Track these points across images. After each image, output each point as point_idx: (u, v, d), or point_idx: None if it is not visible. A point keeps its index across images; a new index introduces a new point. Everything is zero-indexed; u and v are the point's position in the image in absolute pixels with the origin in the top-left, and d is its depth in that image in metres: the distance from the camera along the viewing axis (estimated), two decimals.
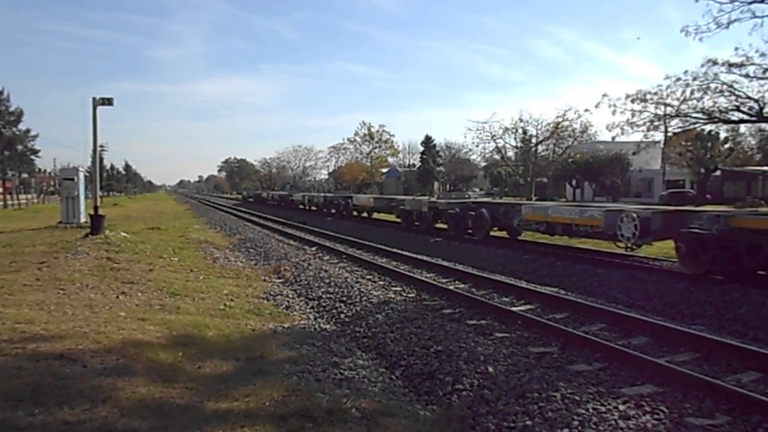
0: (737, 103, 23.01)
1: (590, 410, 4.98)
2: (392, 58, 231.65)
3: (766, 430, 4.66)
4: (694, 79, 23.38)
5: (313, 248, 18.48)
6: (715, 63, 22.69)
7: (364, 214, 32.61)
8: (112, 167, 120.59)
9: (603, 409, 5.00)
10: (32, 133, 57.26)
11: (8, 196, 56.95)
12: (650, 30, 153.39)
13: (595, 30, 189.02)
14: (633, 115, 25.86)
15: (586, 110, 48.50)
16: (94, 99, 17.99)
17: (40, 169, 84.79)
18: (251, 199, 75.93)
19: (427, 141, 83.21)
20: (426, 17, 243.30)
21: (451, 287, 10.97)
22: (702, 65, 23.04)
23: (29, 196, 68.75)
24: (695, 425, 4.69)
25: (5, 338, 6.01)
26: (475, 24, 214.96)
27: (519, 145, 53.84)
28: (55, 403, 4.36)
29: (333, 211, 36.22)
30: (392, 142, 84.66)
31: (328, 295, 10.57)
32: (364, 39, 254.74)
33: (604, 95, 26.89)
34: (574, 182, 59.62)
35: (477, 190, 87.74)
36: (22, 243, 15.14)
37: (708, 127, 35.89)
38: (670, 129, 28.66)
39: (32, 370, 5.09)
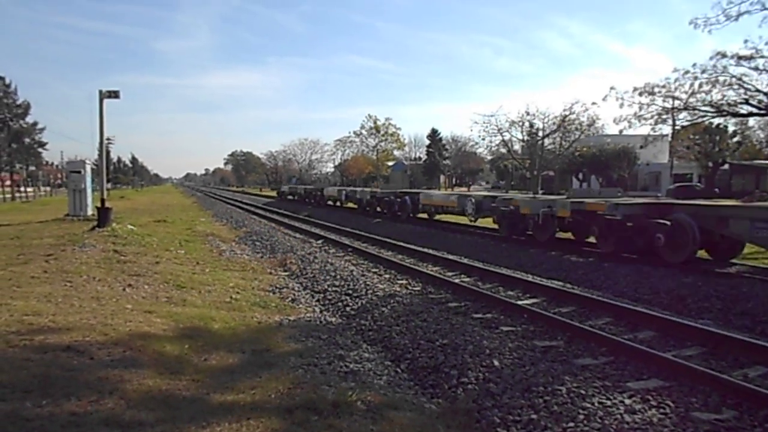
0: (746, 96, 22.82)
1: (596, 404, 4.97)
2: (399, 51, 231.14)
3: None
4: (703, 71, 23.21)
5: (319, 241, 18.50)
6: (724, 55, 22.51)
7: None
8: (119, 160, 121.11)
9: (609, 403, 4.99)
10: (39, 125, 57.73)
11: (16, 189, 57.30)
12: (659, 22, 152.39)
13: (603, 22, 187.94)
14: (641, 108, 25.73)
15: (594, 103, 48.24)
16: (100, 92, 18.03)
17: (47, 162, 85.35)
18: (292, 197, 50.53)
19: (433, 134, 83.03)
20: (433, 9, 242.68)
21: (457, 281, 10.97)
22: (711, 58, 22.86)
23: (34, 188, 69.05)
24: (701, 420, 4.67)
25: (13, 330, 6.05)
26: (483, 16, 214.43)
27: (525, 138, 53.54)
28: (63, 395, 4.39)
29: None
30: (398, 135, 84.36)
31: (334, 288, 10.58)
32: (371, 32, 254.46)
33: (612, 88, 26.66)
34: (580, 176, 59.36)
35: (483, 183, 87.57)
36: (29, 235, 15.23)
37: (716, 121, 35.66)
38: (678, 122, 28.49)
39: (40, 362, 5.12)
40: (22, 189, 58.98)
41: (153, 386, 4.82)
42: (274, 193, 73.53)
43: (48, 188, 76.10)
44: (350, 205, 34.76)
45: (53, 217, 21.43)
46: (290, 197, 51.43)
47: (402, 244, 16.85)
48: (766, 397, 4.95)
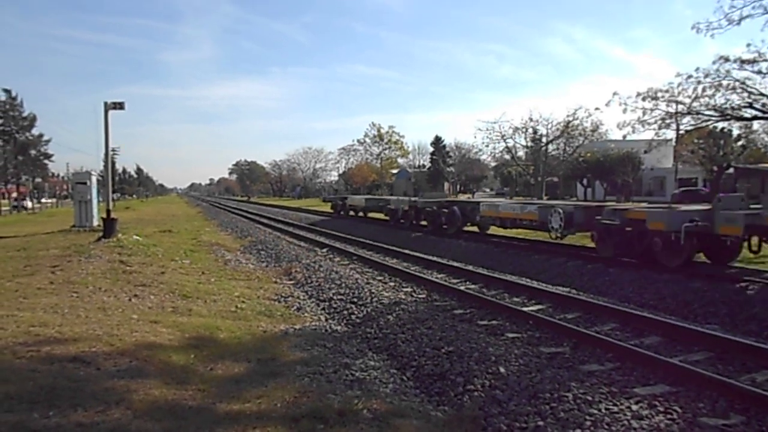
0: (750, 100, 22.81)
1: (603, 410, 4.95)
2: (402, 60, 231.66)
3: None
4: (706, 76, 23.21)
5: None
6: (727, 60, 22.51)
7: None
8: (124, 171, 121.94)
9: (615, 409, 4.97)
10: (45, 137, 58.18)
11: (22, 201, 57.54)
12: (662, 27, 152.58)
13: (606, 29, 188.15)
14: (644, 113, 25.74)
15: (597, 109, 48.24)
16: (105, 103, 18.19)
17: (53, 174, 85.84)
18: (355, 213, 32.91)
19: (437, 141, 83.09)
20: (435, 18, 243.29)
21: (462, 288, 10.95)
22: (714, 62, 22.88)
23: (44, 201, 69.33)
24: (709, 425, 4.65)
25: (20, 341, 6.07)
26: (485, 24, 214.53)
27: (529, 144, 53.58)
28: (69, 405, 4.40)
29: None
30: (402, 143, 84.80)
31: (339, 297, 10.58)
32: (374, 41, 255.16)
33: (615, 93, 26.77)
34: (585, 181, 59.25)
35: (487, 190, 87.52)
36: (35, 247, 15.31)
37: (720, 125, 35.51)
38: (681, 127, 28.47)
39: (46, 373, 5.14)
40: (27, 202, 58.95)
41: (159, 396, 4.83)
42: (280, 203, 73.00)
43: (53, 199, 76.52)
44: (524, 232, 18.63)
45: (59, 229, 21.55)
46: (354, 213, 33.06)
47: None
48: None
